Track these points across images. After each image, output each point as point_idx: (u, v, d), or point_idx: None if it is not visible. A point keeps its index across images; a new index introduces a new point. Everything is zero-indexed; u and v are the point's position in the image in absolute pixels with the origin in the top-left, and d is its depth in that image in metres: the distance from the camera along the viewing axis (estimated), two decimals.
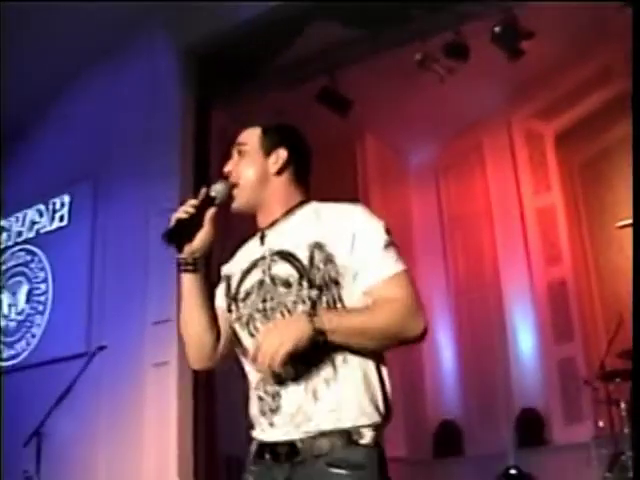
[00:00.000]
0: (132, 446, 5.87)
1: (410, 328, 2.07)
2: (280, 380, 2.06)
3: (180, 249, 2.21)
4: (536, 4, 6.39)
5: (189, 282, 2.24)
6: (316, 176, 2.39)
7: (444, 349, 9.02)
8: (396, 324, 2.05)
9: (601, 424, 6.71)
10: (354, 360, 2.08)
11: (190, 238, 2.19)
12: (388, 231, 2.16)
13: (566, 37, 7.50)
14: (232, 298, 2.27)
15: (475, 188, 9.36)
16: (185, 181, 6.38)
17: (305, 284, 2.09)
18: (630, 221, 8.19)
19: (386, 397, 2.12)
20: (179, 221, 2.17)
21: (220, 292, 2.36)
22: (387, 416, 2.11)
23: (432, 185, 9.66)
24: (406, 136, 9.06)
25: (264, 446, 2.13)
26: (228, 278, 2.33)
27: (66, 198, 7.27)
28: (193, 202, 2.20)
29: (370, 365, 2.11)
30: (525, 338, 8.52)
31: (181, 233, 2.17)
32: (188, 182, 6.38)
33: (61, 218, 7.26)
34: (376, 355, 2.13)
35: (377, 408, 2.08)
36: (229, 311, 2.27)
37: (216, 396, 6.12)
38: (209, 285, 2.30)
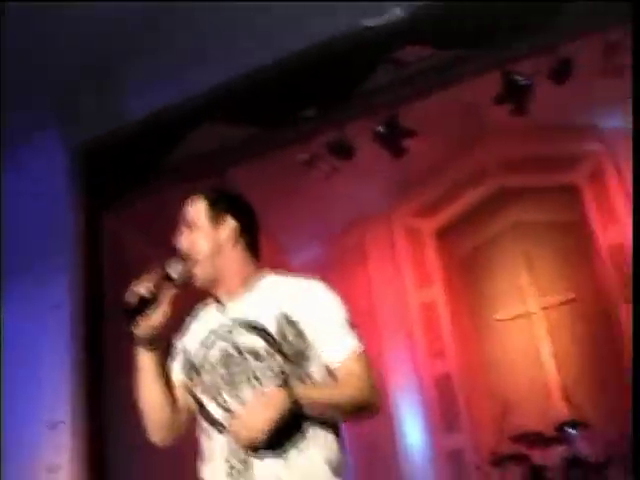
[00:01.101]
0: None
1: (372, 402, 2.22)
2: (255, 449, 2.07)
3: (135, 324, 2.21)
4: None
5: (147, 359, 2.26)
6: None
7: None
8: (361, 398, 2.18)
9: None
10: (319, 429, 2.17)
11: (147, 315, 2.20)
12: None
13: (444, 136, 7.85)
14: (194, 369, 2.28)
15: (358, 285, 9.51)
16: (77, 280, 6.27)
17: (277, 356, 2.17)
18: (509, 314, 8.59)
19: (344, 463, 2.22)
20: (141, 298, 2.18)
21: (177, 366, 2.37)
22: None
23: None
24: (291, 235, 9.15)
25: None
26: (185, 352, 2.34)
27: None
28: (152, 279, 2.22)
29: (331, 434, 2.21)
30: (413, 430, 8.58)
31: (140, 310, 2.19)
32: (80, 281, 6.28)
33: None
34: (335, 425, 2.23)
35: (339, 473, 2.18)
36: (192, 382, 2.28)
37: None
38: (164, 362, 2.32)
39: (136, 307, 2.17)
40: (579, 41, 6.12)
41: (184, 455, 7.75)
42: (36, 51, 5.98)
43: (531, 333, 8.65)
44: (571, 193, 8.71)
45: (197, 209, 2.39)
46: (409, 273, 9.17)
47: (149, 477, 6.66)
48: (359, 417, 2.27)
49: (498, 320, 8.86)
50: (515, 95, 6.57)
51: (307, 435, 2.13)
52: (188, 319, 2.41)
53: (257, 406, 2.00)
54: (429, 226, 9.23)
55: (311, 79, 6.23)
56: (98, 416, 5.90)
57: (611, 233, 8.27)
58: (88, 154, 6.73)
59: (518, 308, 8.77)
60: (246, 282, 2.34)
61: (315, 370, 2.23)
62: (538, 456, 6.87)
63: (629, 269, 7.78)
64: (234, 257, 2.36)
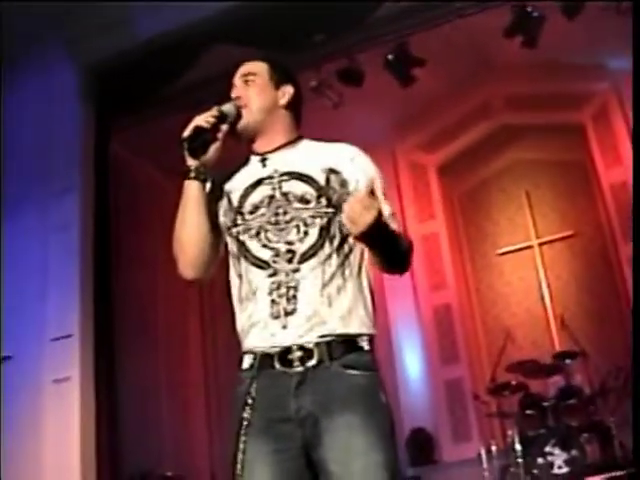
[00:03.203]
0: (31, 463, 5.66)
1: (410, 254, 2.30)
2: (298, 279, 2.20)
3: (195, 156, 2.32)
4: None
5: (196, 189, 2.34)
6: None
7: None
8: (408, 245, 2.28)
9: (492, 441, 6.92)
10: (359, 276, 2.29)
11: (205, 148, 2.32)
12: None
13: (452, 68, 7.84)
14: (236, 211, 2.36)
15: None
16: (84, 198, 6.30)
17: (323, 201, 2.29)
18: (509, 248, 8.64)
19: (375, 313, 2.31)
20: (200, 128, 2.29)
21: (221, 207, 2.43)
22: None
23: None
24: None
25: (269, 357, 2.20)
26: (228, 194, 2.41)
27: None
28: (212, 113, 2.32)
29: (366, 283, 2.31)
30: (413, 361, 8.72)
31: (199, 141, 2.30)
32: (88, 199, 6.32)
33: None
34: (368, 276, 2.32)
35: (372, 321, 2.28)
36: (234, 224, 2.35)
37: (119, 413, 6.02)
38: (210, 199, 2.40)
39: (192, 137, 2.29)
40: None
41: (190, 366, 7.83)
42: None
43: (530, 267, 8.76)
44: (575, 132, 8.74)
45: (260, 68, 2.50)
46: (411, 206, 9.21)
47: (157, 388, 6.80)
48: (402, 265, 2.28)
49: (498, 254, 8.96)
50: (526, 27, 6.55)
51: (347, 279, 2.25)
52: (232, 168, 2.48)
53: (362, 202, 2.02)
54: (432, 161, 9.25)
55: (323, 4, 6.22)
56: (107, 329, 6.00)
57: (614, 172, 8.31)
58: (97, 74, 6.73)
59: (518, 243, 8.87)
60: (289, 141, 2.45)
61: None
62: (535, 385, 7.00)
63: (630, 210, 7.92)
64: (283, 119, 2.47)
